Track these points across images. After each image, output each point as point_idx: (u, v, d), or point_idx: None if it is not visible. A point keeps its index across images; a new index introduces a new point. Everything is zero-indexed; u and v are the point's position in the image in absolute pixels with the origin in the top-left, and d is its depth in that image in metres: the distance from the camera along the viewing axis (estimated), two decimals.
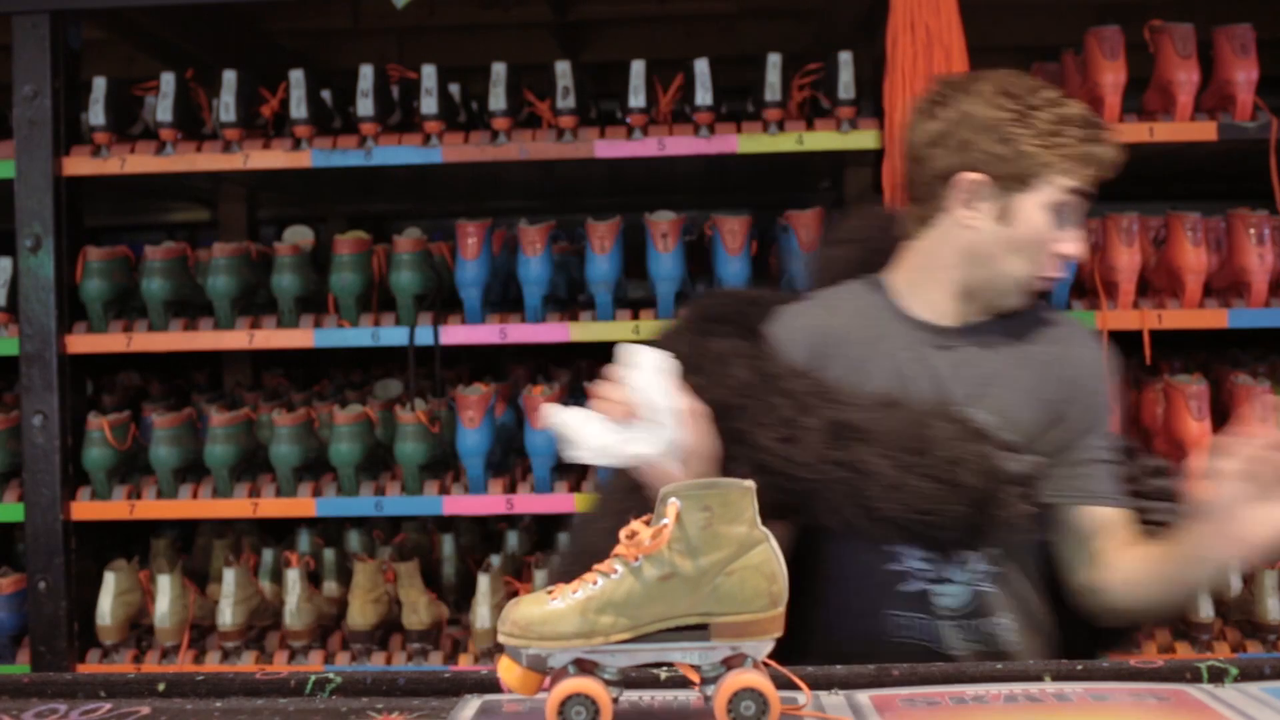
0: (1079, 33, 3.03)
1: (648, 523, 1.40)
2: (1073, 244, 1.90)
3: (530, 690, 1.41)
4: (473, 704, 1.56)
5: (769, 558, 1.40)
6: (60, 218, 3.05)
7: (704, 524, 1.38)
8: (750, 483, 1.41)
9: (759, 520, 1.40)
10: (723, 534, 1.38)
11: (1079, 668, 1.63)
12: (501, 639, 1.40)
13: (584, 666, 1.39)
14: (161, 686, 1.63)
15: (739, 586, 1.38)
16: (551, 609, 1.38)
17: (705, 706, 1.41)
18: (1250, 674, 1.60)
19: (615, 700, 1.38)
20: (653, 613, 1.38)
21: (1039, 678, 1.61)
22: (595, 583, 1.39)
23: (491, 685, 1.61)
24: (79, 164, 3.08)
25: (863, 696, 1.56)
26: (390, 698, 1.60)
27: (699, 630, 1.39)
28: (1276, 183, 2.91)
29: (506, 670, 1.41)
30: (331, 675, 1.63)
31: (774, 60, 3.01)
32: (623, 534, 1.41)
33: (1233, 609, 3.10)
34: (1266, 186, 2.93)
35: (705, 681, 1.41)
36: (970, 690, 1.57)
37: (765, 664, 1.42)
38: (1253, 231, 2.97)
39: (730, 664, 1.40)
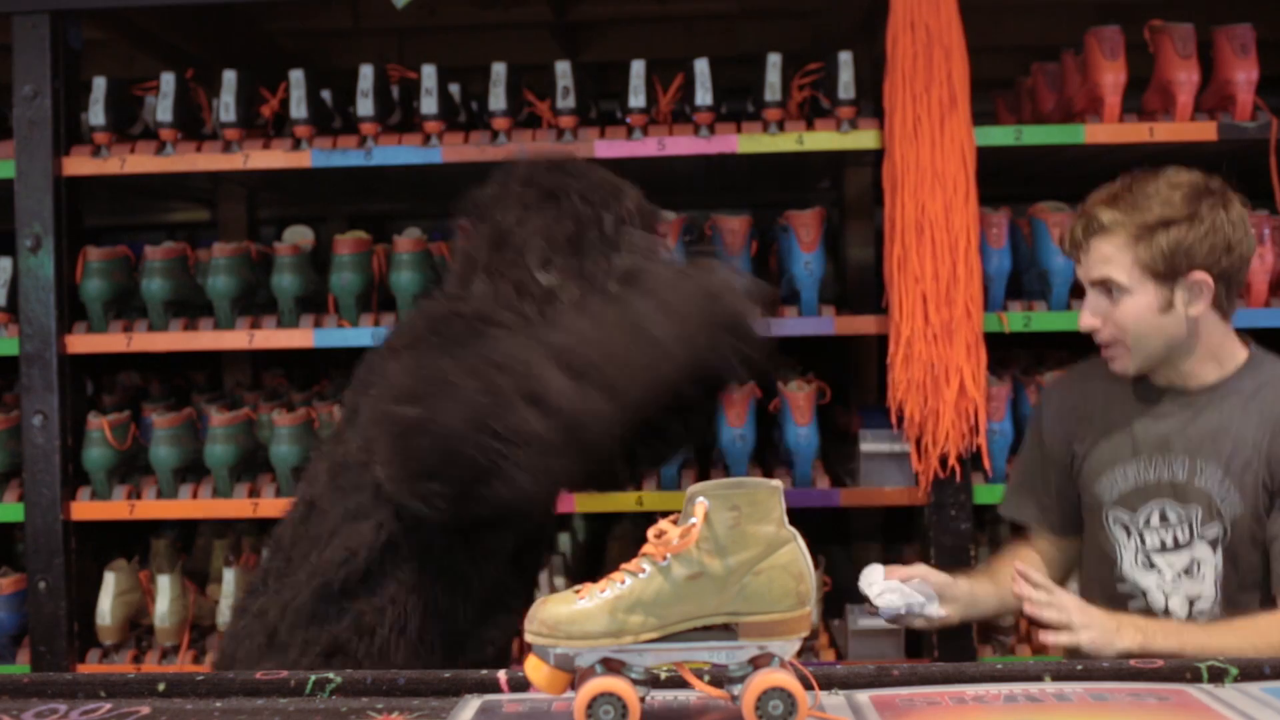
0: (1079, 33, 3.03)
1: (675, 522, 1.40)
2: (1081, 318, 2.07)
3: (558, 689, 1.41)
4: (472, 704, 1.56)
5: (796, 557, 1.40)
6: (60, 218, 3.05)
7: (732, 523, 1.38)
8: (778, 482, 1.42)
9: (786, 519, 1.40)
10: (750, 533, 1.38)
11: (1079, 668, 1.63)
12: (529, 638, 1.40)
13: (611, 666, 1.39)
14: (161, 686, 1.63)
15: (767, 586, 1.38)
16: (580, 608, 1.38)
17: (733, 706, 1.41)
18: (1250, 674, 1.60)
19: (643, 700, 1.38)
20: (681, 612, 1.38)
21: (1039, 678, 1.61)
22: (623, 582, 1.39)
23: (491, 685, 1.61)
24: (79, 164, 3.08)
25: (863, 696, 1.56)
26: (390, 698, 1.60)
27: (726, 630, 1.40)
28: (1276, 183, 2.91)
29: (534, 669, 1.41)
30: (331, 675, 1.63)
31: (774, 60, 3.01)
32: (651, 533, 1.41)
33: None
34: (1266, 186, 2.93)
35: (732, 681, 1.41)
36: (970, 690, 1.57)
37: (791, 664, 1.43)
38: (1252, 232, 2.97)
39: (758, 664, 1.40)
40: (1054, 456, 2.19)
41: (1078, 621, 1.89)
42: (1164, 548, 2.04)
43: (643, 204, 2.07)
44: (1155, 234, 1.94)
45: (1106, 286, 1.98)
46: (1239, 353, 2.06)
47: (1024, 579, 1.94)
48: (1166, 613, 2.04)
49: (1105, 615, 1.93)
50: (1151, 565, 2.05)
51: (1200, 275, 1.96)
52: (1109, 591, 2.10)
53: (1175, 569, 2.03)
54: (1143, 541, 2.06)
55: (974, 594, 2.12)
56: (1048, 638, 1.91)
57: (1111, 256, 1.97)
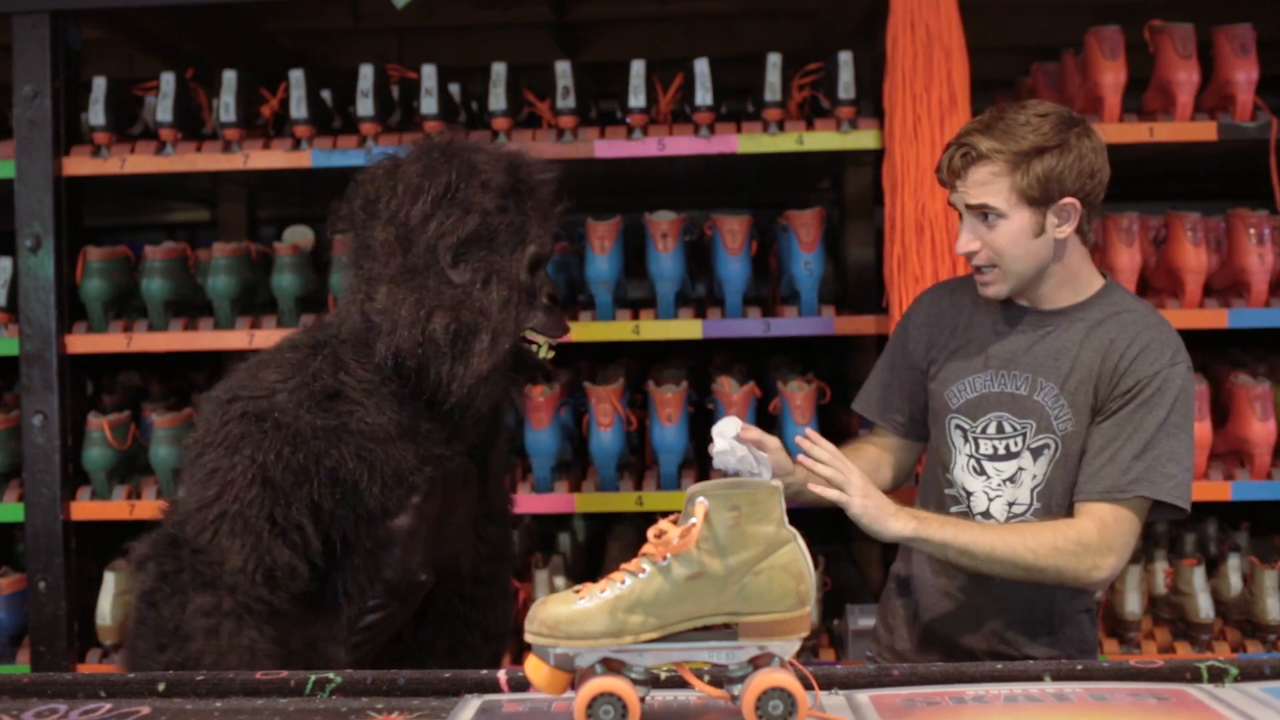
0: (1079, 33, 3.04)
1: (675, 522, 1.40)
2: (958, 241, 2.13)
3: (558, 689, 1.41)
4: (472, 704, 1.56)
5: (796, 557, 1.40)
6: (60, 218, 3.05)
7: (732, 523, 1.38)
8: (778, 482, 1.42)
9: (786, 519, 1.40)
10: (750, 533, 1.38)
11: (1079, 668, 1.63)
12: (529, 638, 1.40)
13: (611, 666, 1.39)
14: (161, 686, 1.63)
15: (767, 586, 1.38)
16: (580, 608, 1.38)
17: (733, 706, 1.41)
18: (1250, 674, 1.60)
19: (643, 700, 1.38)
20: (681, 612, 1.38)
21: (1039, 678, 1.61)
22: (623, 582, 1.39)
23: (491, 685, 1.61)
24: (79, 164, 3.08)
25: (863, 696, 1.56)
26: (390, 698, 1.60)
27: (726, 630, 1.40)
28: (1276, 183, 2.91)
29: (534, 669, 1.41)
30: (331, 675, 1.63)
31: (774, 60, 3.01)
32: (651, 533, 1.41)
33: (1233, 609, 3.10)
34: (1266, 186, 2.93)
35: (732, 681, 1.41)
36: (970, 690, 1.57)
37: (791, 664, 1.43)
38: (1253, 231, 2.97)
39: (758, 663, 1.40)
40: (912, 361, 2.28)
41: (856, 487, 1.99)
42: (995, 455, 2.14)
43: (535, 178, 2.06)
44: (1031, 161, 2.03)
45: (983, 212, 2.06)
46: (1095, 281, 2.16)
47: (810, 439, 2.04)
48: (987, 515, 2.14)
49: (886, 499, 2.02)
50: (981, 471, 2.15)
51: (1070, 200, 2.05)
52: (938, 495, 2.21)
53: (1002, 476, 2.13)
54: (977, 448, 2.16)
55: (801, 479, 2.15)
56: (815, 488, 2.01)
57: (989, 183, 2.04)
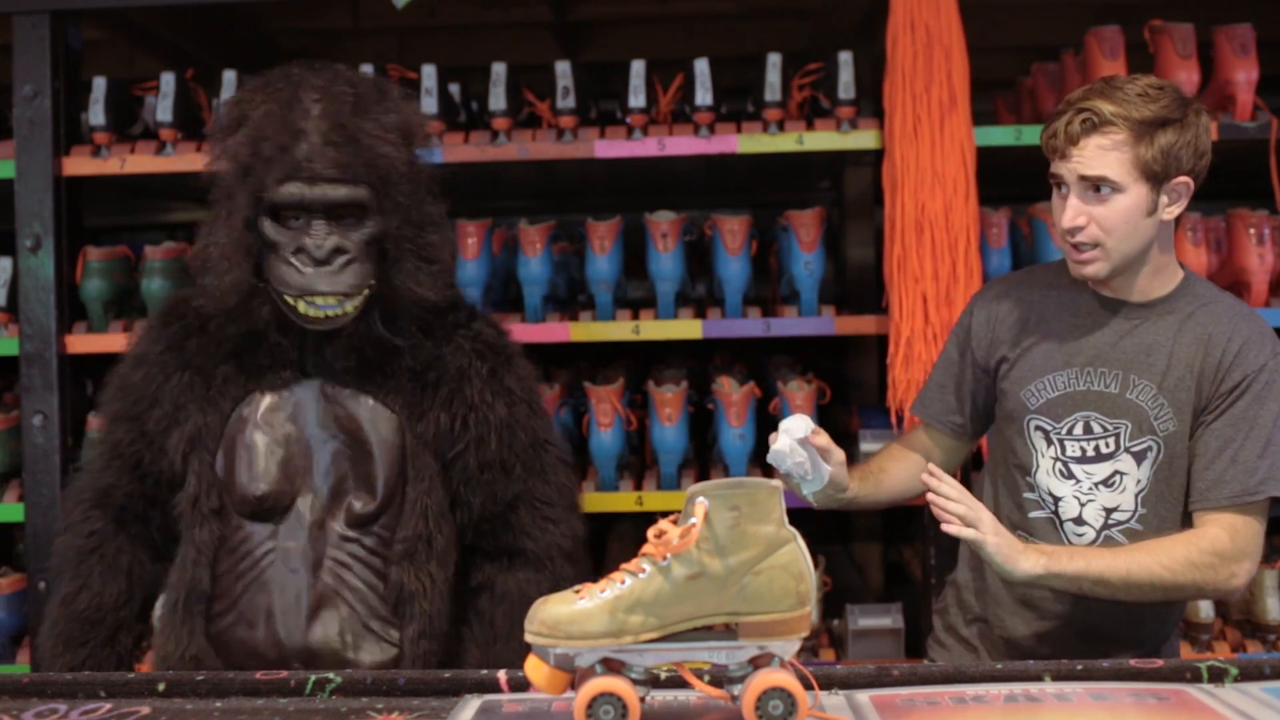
0: (1079, 33, 3.04)
1: (675, 522, 1.40)
2: (1063, 215, 2.01)
3: (558, 689, 1.41)
4: (472, 704, 1.56)
5: (797, 557, 1.40)
6: (60, 218, 3.05)
7: (732, 523, 1.38)
8: (778, 482, 1.42)
9: (786, 519, 1.40)
10: (750, 533, 1.38)
11: (1079, 668, 1.63)
12: (529, 638, 1.40)
13: (611, 666, 1.39)
14: (161, 686, 1.63)
15: (767, 586, 1.39)
16: (580, 608, 1.38)
17: (733, 706, 1.41)
18: (1250, 674, 1.61)
19: (643, 700, 1.38)
20: (680, 612, 1.38)
21: (1039, 678, 1.61)
22: (623, 582, 1.39)
23: (491, 685, 1.62)
24: (79, 164, 3.08)
25: (863, 696, 1.56)
26: (390, 698, 1.61)
27: (726, 630, 1.40)
28: (1276, 183, 2.91)
29: (534, 669, 1.41)
30: (331, 675, 1.63)
31: (774, 60, 3.01)
32: (651, 533, 1.41)
33: (1233, 609, 3.10)
34: (1266, 186, 2.93)
35: (732, 681, 1.41)
36: (970, 690, 1.57)
37: (791, 664, 1.43)
38: (1253, 231, 2.97)
39: (758, 664, 1.41)
40: (975, 359, 2.17)
41: (989, 525, 1.91)
42: (1084, 457, 2.04)
43: (305, 118, 2.00)
44: (1155, 133, 1.92)
45: (1097, 184, 1.95)
46: (1178, 272, 2.07)
47: (935, 475, 1.95)
48: (1079, 521, 2.04)
49: (1013, 537, 1.95)
50: (1070, 474, 2.05)
51: (1184, 178, 1.96)
52: (1016, 499, 2.11)
53: (1094, 479, 2.03)
54: (1063, 450, 2.06)
55: (852, 494, 2.11)
56: (951, 529, 1.92)
57: (1110, 152, 1.93)
